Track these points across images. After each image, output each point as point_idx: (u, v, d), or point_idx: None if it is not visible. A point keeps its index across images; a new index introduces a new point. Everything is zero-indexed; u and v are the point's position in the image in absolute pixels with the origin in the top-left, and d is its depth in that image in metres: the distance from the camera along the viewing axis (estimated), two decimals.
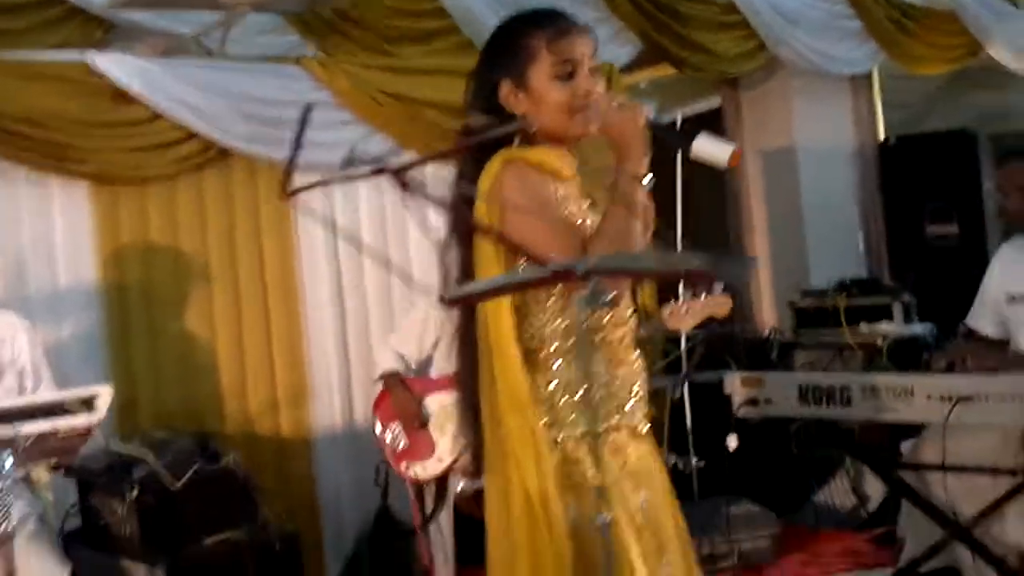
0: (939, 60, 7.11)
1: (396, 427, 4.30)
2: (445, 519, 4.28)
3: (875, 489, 5.29)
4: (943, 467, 3.37)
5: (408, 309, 4.86)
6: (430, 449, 4.27)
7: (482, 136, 2.14)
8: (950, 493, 3.47)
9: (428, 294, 4.57)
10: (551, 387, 2.16)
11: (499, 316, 2.10)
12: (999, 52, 7.19)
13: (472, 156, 2.21)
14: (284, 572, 3.54)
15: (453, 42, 5.45)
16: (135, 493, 3.40)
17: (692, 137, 2.04)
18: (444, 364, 4.41)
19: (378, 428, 4.34)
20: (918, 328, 5.19)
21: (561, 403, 2.15)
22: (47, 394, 3.28)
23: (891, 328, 5.13)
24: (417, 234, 5.05)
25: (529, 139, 2.19)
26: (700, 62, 6.23)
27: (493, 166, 2.12)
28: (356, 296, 4.92)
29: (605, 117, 2.11)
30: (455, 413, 4.10)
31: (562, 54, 2.17)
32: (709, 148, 2.03)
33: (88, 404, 2.91)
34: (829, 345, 5.12)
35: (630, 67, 5.91)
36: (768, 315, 6.69)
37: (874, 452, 3.96)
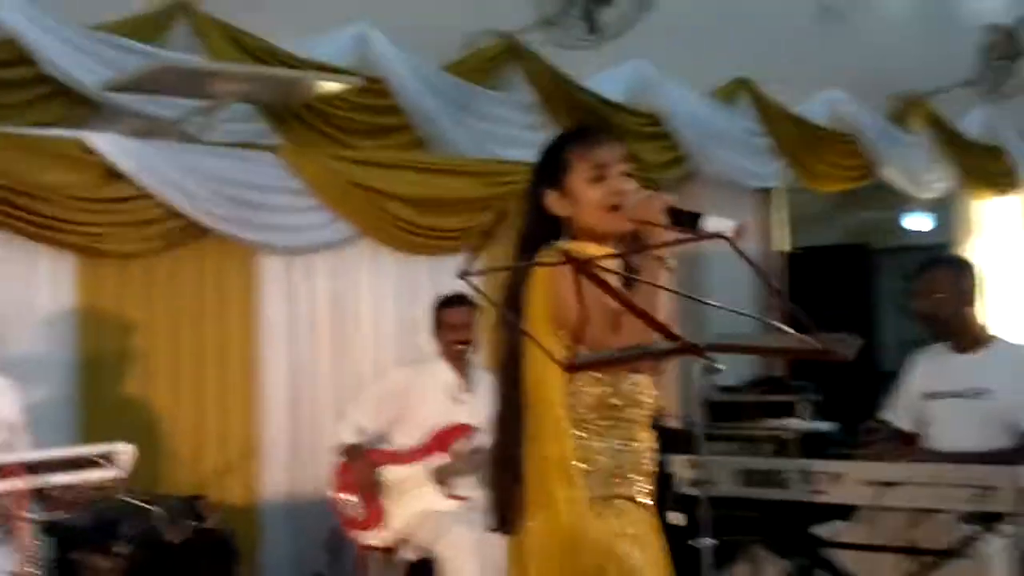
0: (839, 179, 7.73)
1: (353, 497, 4.61)
2: None
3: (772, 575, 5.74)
4: (868, 547, 3.78)
5: (357, 390, 5.23)
6: (382, 519, 4.58)
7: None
8: (869, 569, 3.90)
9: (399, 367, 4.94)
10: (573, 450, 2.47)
11: (553, 382, 2.44)
12: (891, 174, 7.87)
13: (522, 248, 2.55)
14: None
15: (407, 138, 5.84)
16: (129, 548, 3.64)
17: (699, 218, 2.40)
18: (398, 439, 4.75)
19: (336, 496, 4.64)
20: (823, 425, 5.70)
21: (580, 466, 2.48)
22: (77, 448, 3.49)
23: (799, 424, 5.63)
24: (369, 316, 5.42)
25: (574, 236, 2.53)
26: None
27: (550, 256, 2.46)
28: (310, 372, 5.25)
29: (633, 211, 2.45)
30: (409, 485, 4.47)
31: (592, 160, 2.52)
32: (717, 224, 2.37)
33: (110, 459, 3.18)
34: (742, 437, 5.59)
35: None
36: (672, 405, 7.13)
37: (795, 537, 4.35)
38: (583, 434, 2.50)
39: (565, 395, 2.48)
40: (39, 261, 4.55)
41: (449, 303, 4.81)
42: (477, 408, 4.77)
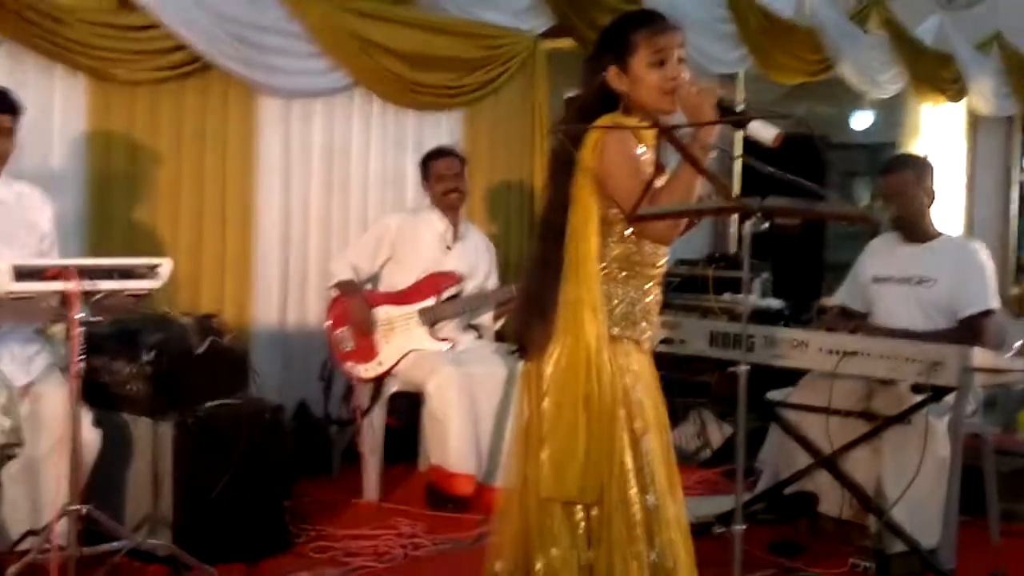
0: (798, 71, 7.99)
1: (346, 330, 4.87)
2: (378, 416, 4.88)
3: (715, 436, 6.17)
4: (826, 409, 4.14)
5: (344, 231, 5.47)
6: (373, 353, 4.86)
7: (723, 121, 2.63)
8: (814, 432, 4.29)
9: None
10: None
11: (588, 236, 2.72)
12: (847, 71, 8.18)
13: (579, 114, 2.79)
14: (272, 439, 4.06)
15: None
16: (153, 356, 3.86)
17: (748, 119, 2.66)
18: (390, 281, 5.00)
19: (329, 328, 4.89)
20: (774, 302, 6.08)
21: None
22: (124, 259, 3.65)
23: (752, 299, 5.99)
24: (360, 163, 5.62)
25: (628, 109, 2.78)
26: None
27: (603, 121, 2.72)
28: (301, 211, 5.46)
29: (685, 98, 2.70)
30: (399, 324, 4.74)
31: (655, 46, 2.73)
32: (760, 130, 2.61)
33: (153, 270, 3.40)
34: (698, 308, 5.94)
35: (545, 35, 6.52)
36: None
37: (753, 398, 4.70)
38: (611, 282, 2.79)
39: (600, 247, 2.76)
40: (54, 81, 4.64)
41: (439, 155, 5.05)
42: (465, 257, 5.05)
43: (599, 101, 2.80)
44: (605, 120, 2.74)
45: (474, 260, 5.09)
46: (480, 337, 5.14)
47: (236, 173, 5.17)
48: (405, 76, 5.64)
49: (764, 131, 2.62)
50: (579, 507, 2.71)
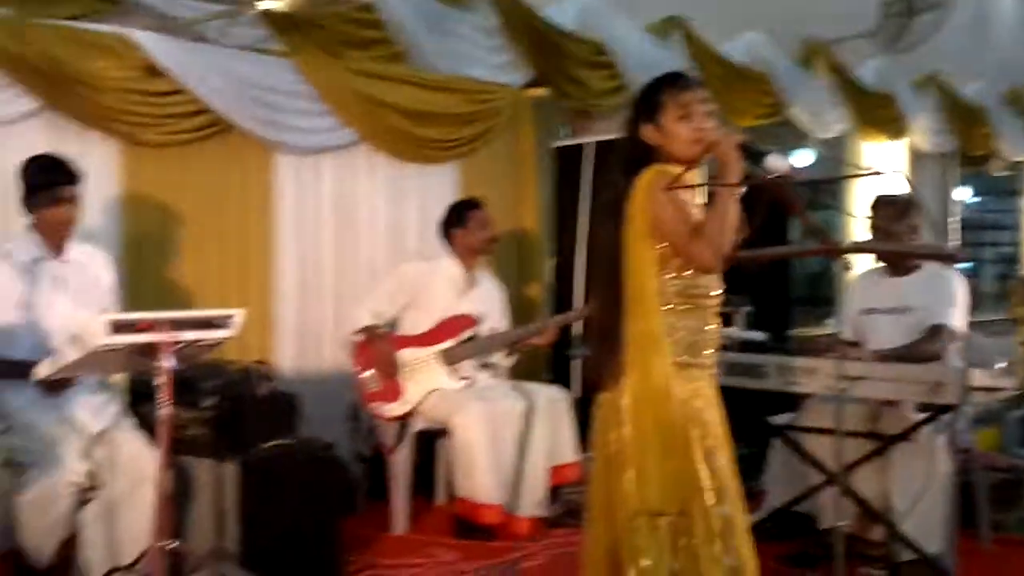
0: (752, 115, 8.43)
1: (372, 372, 5.13)
2: (405, 453, 5.13)
3: None
4: (834, 431, 4.47)
5: (354, 278, 5.76)
6: (399, 393, 5.12)
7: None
8: (820, 453, 4.61)
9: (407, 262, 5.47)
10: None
11: (647, 275, 3.02)
12: (796, 113, 8.64)
13: (622, 167, 3.11)
14: (324, 475, 4.30)
15: (388, 51, 6.22)
16: (214, 402, 4.09)
17: (765, 154, 2.99)
18: (409, 326, 5.27)
19: (357, 371, 5.15)
20: (757, 334, 6.44)
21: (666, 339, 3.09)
22: (204, 311, 3.87)
23: (737, 332, 6.34)
24: (366, 215, 5.91)
25: (666, 161, 3.08)
26: (574, 92, 7.27)
27: (649, 173, 3.02)
28: (315, 260, 5.77)
29: (712, 144, 3.00)
30: (421, 365, 4.99)
31: (680, 102, 3.07)
32: (776, 162, 2.98)
33: (227, 320, 3.63)
34: None
35: (525, 88, 6.86)
36: None
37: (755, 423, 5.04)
38: (670, 314, 3.10)
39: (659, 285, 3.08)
40: (90, 147, 4.87)
41: (476, 206, 5.36)
42: (479, 301, 5.34)
43: (638, 155, 3.12)
44: (653, 171, 3.04)
45: (488, 304, 5.39)
46: (495, 375, 5.43)
47: (256, 228, 5.44)
48: (406, 131, 5.95)
49: (779, 162, 2.97)
50: (663, 521, 3.00)
